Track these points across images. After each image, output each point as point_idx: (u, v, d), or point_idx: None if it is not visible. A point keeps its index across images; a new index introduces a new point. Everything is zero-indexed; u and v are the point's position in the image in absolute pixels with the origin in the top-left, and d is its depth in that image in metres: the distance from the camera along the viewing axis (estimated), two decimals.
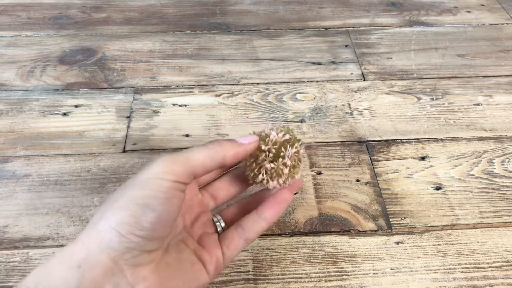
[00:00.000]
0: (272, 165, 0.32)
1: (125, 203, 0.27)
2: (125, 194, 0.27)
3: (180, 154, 0.29)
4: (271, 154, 0.32)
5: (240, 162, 0.34)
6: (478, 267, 0.41)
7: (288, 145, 0.33)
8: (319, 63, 0.65)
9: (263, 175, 0.33)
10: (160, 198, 0.27)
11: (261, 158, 0.32)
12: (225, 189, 0.35)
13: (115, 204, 0.27)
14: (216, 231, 0.34)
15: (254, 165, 0.33)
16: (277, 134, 0.33)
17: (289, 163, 0.33)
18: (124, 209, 0.26)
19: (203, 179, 0.35)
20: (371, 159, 0.51)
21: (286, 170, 0.33)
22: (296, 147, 0.33)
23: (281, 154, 0.33)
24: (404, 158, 0.51)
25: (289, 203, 0.34)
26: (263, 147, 0.32)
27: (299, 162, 0.34)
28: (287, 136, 0.33)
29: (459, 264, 0.42)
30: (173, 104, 0.58)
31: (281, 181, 0.33)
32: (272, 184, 0.33)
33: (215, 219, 0.34)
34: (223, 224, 0.34)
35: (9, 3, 0.75)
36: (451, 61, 0.65)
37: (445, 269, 0.41)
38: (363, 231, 0.44)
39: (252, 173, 0.33)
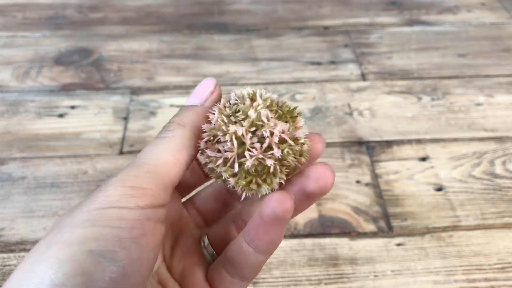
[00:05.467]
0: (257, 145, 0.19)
1: (69, 250, 0.16)
2: (68, 233, 0.17)
3: (142, 162, 0.19)
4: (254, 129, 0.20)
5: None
6: (479, 269, 0.41)
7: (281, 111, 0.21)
8: (319, 63, 0.64)
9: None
10: (123, 239, 0.17)
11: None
12: (213, 200, 0.24)
13: (51, 250, 0.16)
14: (203, 260, 0.23)
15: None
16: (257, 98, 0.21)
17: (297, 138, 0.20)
18: (67, 260, 0.16)
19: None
20: (371, 160, 0.50)
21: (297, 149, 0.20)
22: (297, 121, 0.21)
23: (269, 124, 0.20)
24: (405, 159, 0.51)
25: (289, 218, 0.19)
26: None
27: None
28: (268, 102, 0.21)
29: (461, 266, 0.41)
30: (171, 105, 0.57)
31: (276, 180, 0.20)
32: (265, 187, 0.20)
33: (202, 243, 0.24)
34: (210, 249, 0.23)
35: (5, 3, 0.75)
36: (451, 60, 0.65)
37: (447, 271, 0.41)
38: (363, 233, 0.44)
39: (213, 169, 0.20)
